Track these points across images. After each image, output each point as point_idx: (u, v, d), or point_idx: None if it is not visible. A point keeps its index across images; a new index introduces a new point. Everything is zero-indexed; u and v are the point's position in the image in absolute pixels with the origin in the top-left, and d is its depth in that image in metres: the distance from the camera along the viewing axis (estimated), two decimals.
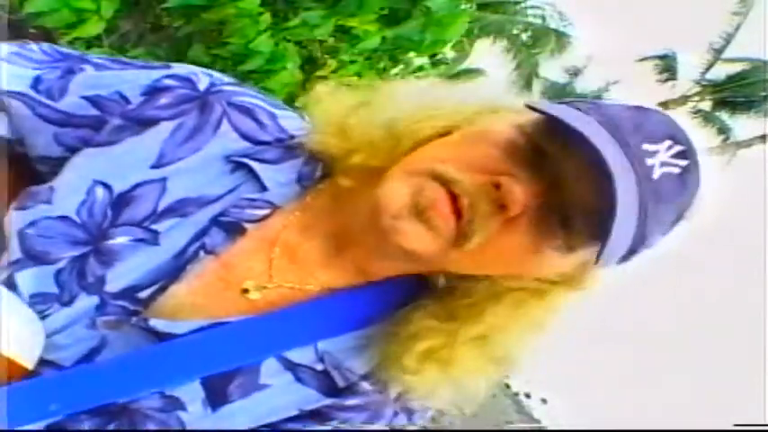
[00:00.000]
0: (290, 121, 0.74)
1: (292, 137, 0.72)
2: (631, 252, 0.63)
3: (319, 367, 0.70)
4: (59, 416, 0.65)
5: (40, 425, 0.65)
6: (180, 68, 0.74)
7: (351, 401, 0.71)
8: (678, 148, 0.61)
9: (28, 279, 0.67)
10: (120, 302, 0.67)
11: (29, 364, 0.65)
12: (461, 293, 0.69)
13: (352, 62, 4.18)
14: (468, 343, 0.68)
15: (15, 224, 0.69)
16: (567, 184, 0.60)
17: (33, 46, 0.76)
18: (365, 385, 0.71)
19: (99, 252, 0.68)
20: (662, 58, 13.52)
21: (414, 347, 0.68)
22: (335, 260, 0.71)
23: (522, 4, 12.14)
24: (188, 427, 0.68)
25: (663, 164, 0.60)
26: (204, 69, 0.75)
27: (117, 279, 0.68)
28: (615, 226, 0.57)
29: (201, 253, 0.68)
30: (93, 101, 0.70)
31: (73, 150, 0.71)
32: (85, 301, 0.67)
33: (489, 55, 12.97)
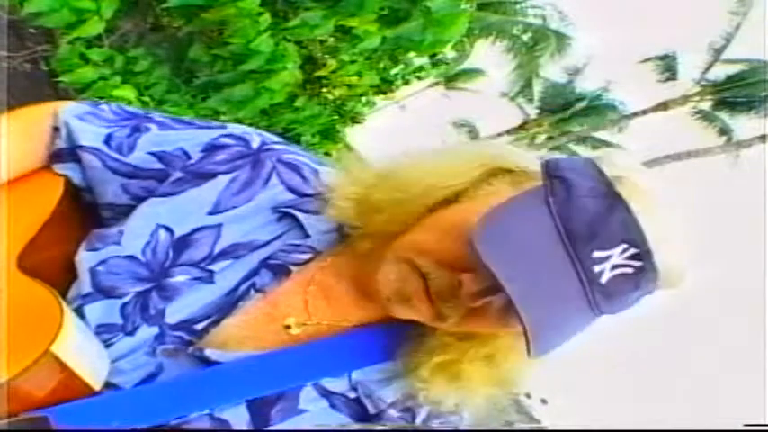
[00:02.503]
0: (331, 177, 0.83)
1: (327, 197, 0.81)
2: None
3: (352, 395, 0.77)
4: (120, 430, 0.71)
5: None
6: (235, 128, 0.85)
7: (379, 428, 0.78)
8: (632, 251, 0.65)
9: (96, 311, 0.75)
10: (178, 333, 0.76)
11: (98, 386, 0.72)
12: None
13: (352, 62, 4.19)
14: (477, 360, 0.76)
15: (87, 262, 0.77)
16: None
17: (104, 106, 0.88)
18: (393, 413, 0.78)
19: (161, 288, 0.76)
20: (662, 58, 13.52)
21: (430, 360, 0.76)
22: (364, 302, 0.78)
23: (523, 5, 12.14)
24: None
25: (615, 266, 0.65)
26: (256, 130, 0.86)
27: (176, 312, 0.76)
28: (551, 339, 0.65)
29: (252, 291, 0.77)
30: (159, 156, 0.81)
31: (138, 199, 0.81)
32: (146, 332, 0.75)
33: (489, 55, 12.98)
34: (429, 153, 0.82)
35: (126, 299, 0.76)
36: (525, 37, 12.58)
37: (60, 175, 0.84)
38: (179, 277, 0.77)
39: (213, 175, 0.79)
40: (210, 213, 0.78)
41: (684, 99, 13.24)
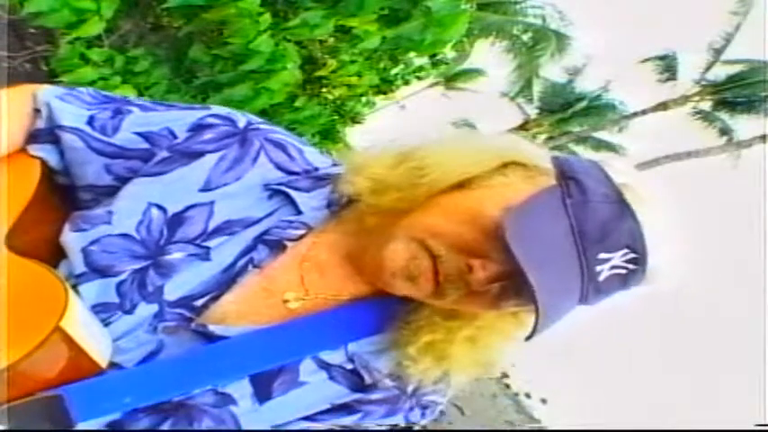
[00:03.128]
0: (314, 156, 0.87)
1: (317, 169, 0.85)
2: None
3: (349, 366, 0.81)
4: (128, 409, 0.73)
5: (105, 420, 0.73)
6: (220, 109, 0.86)
7: (374, 396, 0.82)
8: (631, 255, 0.72)
9: (91, 290, 0.76)
10: (178, 310, 0.77)
11: (104, 363, 0.72)
12: None
13: (352, 62, 4.19)
14: (462, 342, 0.80)
15: (77, 243, 0.78)
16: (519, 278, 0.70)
17: (82, 89, 0.88)
18: (387, 382, 0.82)
19: (158, 265, 0.77)
20: (662, 58, 13.52)
21: (419, 339, 0.79)
22: (357, 277, 0.81)
23: (523, 5, 12.14)
24: (239, 420, 0.76)
25: (613, 267, 0.71)
26: (240, 111, 0.87)
27: (175, 289, 0.77)
28: (548, 320, 0.68)
29: (250, 267, 0.78)
30: (145, 136, 0.82)
31: (121, 179, 0.81)
32: (146, 309, 0.76)
33: (489, 55, 12.98)
34: (449, 139, 0.86)
35: (122, 277, 0.76)
36: (525, 37, 12.58)
37: (35, 157, 0.83)
38: (176, 254, 0.77)
39: (201, 154, 0.80)
40: (202, 191, 0.79)
41: (684, 99, 13.23)
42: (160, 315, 0.76)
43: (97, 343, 0.72)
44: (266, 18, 2.41)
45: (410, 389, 0.84)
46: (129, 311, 0.76)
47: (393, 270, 0.75)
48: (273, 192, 0.81)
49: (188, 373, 0.75)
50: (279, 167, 0.83)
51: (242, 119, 0.85)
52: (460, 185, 0.77)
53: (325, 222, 0.82)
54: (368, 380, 0.81)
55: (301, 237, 0.81)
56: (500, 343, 0.82)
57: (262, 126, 0.85)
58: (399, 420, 0.85)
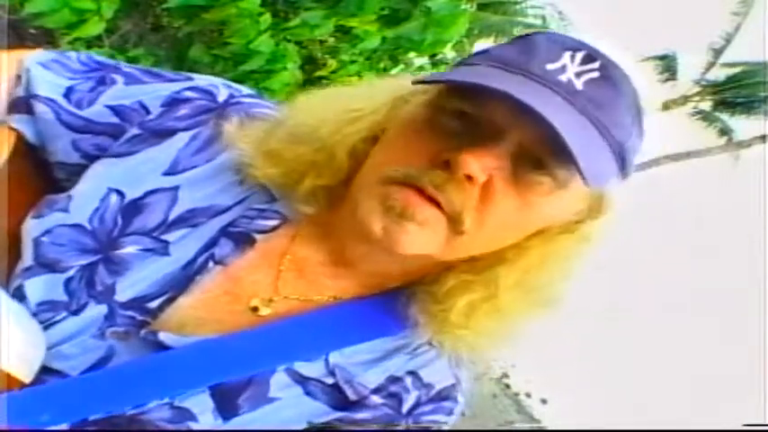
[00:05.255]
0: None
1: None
2: (621, 160, 0.63)
3: (329, 381, 0.70)
4: (53, 426, 0.64)
5: None
6: (201, 80, 0.75)
7: (360, 415, 0.70)
8: (580, 54, 0.60)
9: (37, 287, 0.67)
10: (129, 313, 0.67)
11: (27, 378, 0.64)
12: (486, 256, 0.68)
13: (352, 62, 4.18)
14: (509, 290, 0.66)
15: (32, 232, 0.69)
16: (507, 133, 0.59)
17: (72, 54, 0.77)
18: (376, 399, 0.70)
19: (109, 261, 0.68)
20: (662, 58, 13.51)
21: (456, 304, 0.66)
22: (344, 270, 0.70)
23: (523, 5, 12.14)
24: None
25: (578, 74, 0.59)
26: (226, 82, 0.76)
27: (126, 289, 0.68)
28: (575, 144, 0.55)
29: (210, 264, 0.68)
30: (115, 109, 0.72)
31: (90, 158, 0.71)
32: (94, 311, 0.67)
33: None
34: (326, 92, 0.74)
35: (70, 273, 0.67)
36: None
37: (13, 130, 0.74)
38: (129, 248, 0.68)
39: (173, 133, 0.70)
40: (166, 174, 0.69)
41: (684, 99, 13.23)
42: (111, 318, 0.67)
43: (17, 356, 0.62)
44: (266, 18, 2.41)
45: (406, 407, 0.71)
46: (76, 312, 0.67)
47: (378, 224, 0.61)
48: (246, 175, 0.70)
49: (134, 384, 0.65)
50: None
51: (224, 91, 0.73)
52: (375, 140, 0.67)
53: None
54: (351, 396, 0.69)
55: (275, 228, 0.69)
56: (559, 270, 0.68)
57: (245, 99, 0.74)
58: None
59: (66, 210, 0.69)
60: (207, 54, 2.67)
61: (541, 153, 0.60)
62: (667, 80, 13.43)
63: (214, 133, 0.70)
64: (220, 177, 0.70)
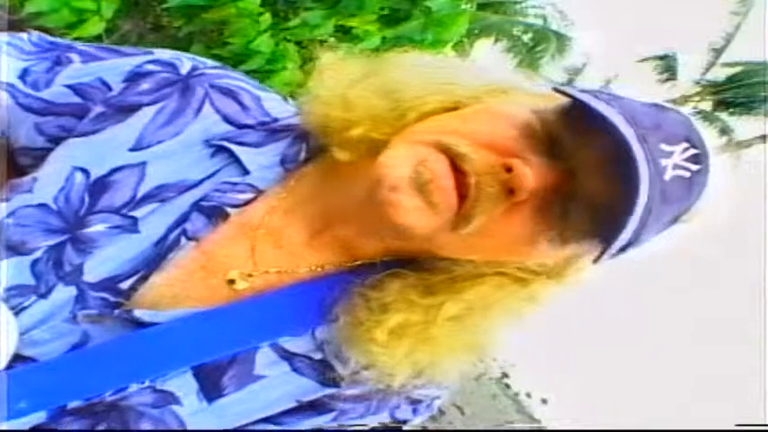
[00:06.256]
0: (275, 104, 0.73)
1: (276, 120, 0.71)
2: (622, 250, 0.61)
3: (317, 356, 0.68)
4: (31, 414, 0.63)
5: (18, 425, 0.62)
6: (163, 53, 0.73)
7: (351, 392, 0.69)
8: (693, 151, 0.60)
9: (5, 271, 0.65)
10: (101, 294, 0.65)
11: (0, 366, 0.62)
12: (442, 270, 0.67)
13: None
14: (446, 322, 0.65)
15: None
16: (582, 174, 0.58)
17: (24, 35, 0.75)
18: (366, 374, 0.68)
19: (76, 240, 0.66)
20: (662, 58, 13.51)
21: (387, 319, 0.64)
22: (320, 240, 0.69)
23: (523, 5, 12.13)
24: (186, 422, 0.65)
25: (676, 166, 0.58)
26: (188, 54, 0.74)
27: (96, 268, 0.65)
28: (627, 225, 0.55)
29: (183, 239, 0.66)
30: (76, 88, 0.69)
31: (55, 140, 0.69)
32: (63, 293, 0.65)
33: (489, 55, 12.97)
34: (426, 58, 0.72)
35: (36, 255, 0.65)
36: (526, 37, 12.57)
37: None
38: (96, 227, 0.66)
39: (137, 108, 0.68)
40: (132, 150, 0.67)
41: (684, 99, 13.23)
42: (81, 300, 0.65)
43: None
44: (266, 18, 2.41)
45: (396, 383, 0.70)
46: (45, 295, 0.64)
47: (394, 180, 0.58)
48: (217, 149, 0.68)
49: (110, 367, 0.63)
50: (227, 120, 0.69)
51: (186, 63, 0.72)
52: (446, 110, 0.64)
53: (280, 183, 0.69)
54: (343, 372, 0.68)
55: (248, 202, 0.68)
56: (498, 321, 0.67)
57: (209, 71, 0.72)
58: (384, 419, 0.72)
59: (30, 191, 0.67)
60: (207, 54, 2.67)
61: (580, 209, 0.59)
62: (667, 80, 13.43)
63: (179, 105, 0.69)
64: (189, 151, 0.68)
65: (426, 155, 0.58)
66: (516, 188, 0.57)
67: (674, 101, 13.16)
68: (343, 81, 0.67)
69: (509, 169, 0.57)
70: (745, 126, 13.09)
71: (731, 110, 12.98)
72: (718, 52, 12.88)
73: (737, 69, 12.84)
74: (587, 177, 0.58)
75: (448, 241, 0.61)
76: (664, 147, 0.58)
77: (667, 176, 0.57)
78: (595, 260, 0.59)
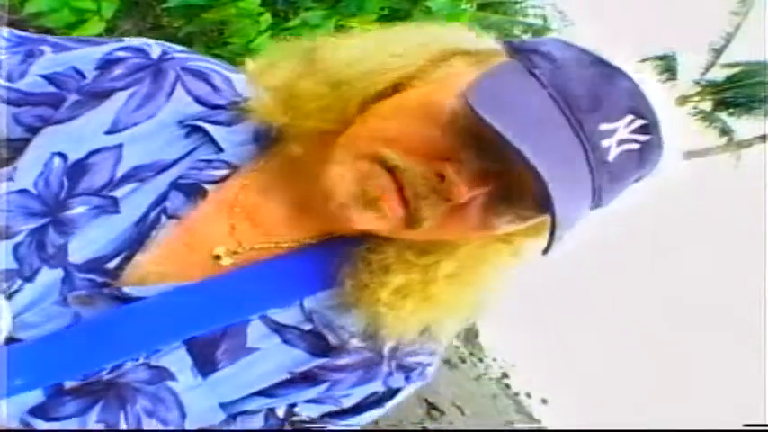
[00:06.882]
0: (246, 84, 0.74)
1: (247, 99, 0.72)
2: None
3: (307, 327, 0.70)
4: (29, 391, 0.64)
5: (16, 404, 0.63)
6: (132, 40, 0.75)
7: (342, 361, 0.70)
8: (639, 122, 0.57)
9: None
10: (88, 275, 0.66)
11: None
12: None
13: None
14: (443, 280, 0.67)
15: None
16: (510, 169, 0.57)
17: None
18: (355, 342, 0.70)
19: (58, 223, 0.67)
20: (662, 58, 13.51)
21: (390, 281, 0.66)
22: (298, 221, 0.70)
23: (523, 5, 12.14)
24: (181, 397, 0.66)
25: (621, 141, 0.57)
26: (157, 41, 0.76)
27: (80, 250, 0.67)
28: (562, 212, 0.54)
29: (163, 218, 0.67)
30: (50, 78, 0.71)
31: (33, 130, 0.70)
32: (49, 275, 0.66)
33: None
34: (366, 34, 0.70)
35: (18, 238, 0.66)
36: (526, 37, 12.59)
37: None
38: (78, 209, 0.67)
39: (110, 93, 0.70)
40: (108, 133, 0.69)
41: (684, 99, 13.24)
42: (69, 282, 0.66)
43: None
44: (266, 18, 2.41)
45: (386, 349, 0.72)
46: (30, 279, 0.65)
47: (343, 200, 0.60)
48: (191, 129, 0.70)
49: (102, 342, 0.64)
50: (199, 101, 0.71)
51: (156, 49, 0.73)
52: (396, 88, 0.63)
53: (254, 160, 0.70)
54: (332, 341, 0.69)
55: (225, 178, 0.69)
56: (490, 276, 0.68)
57: (179, 54, 0.74)
58: (378, 388, 0.73)
59: (11, 179, 0.68)
60: (207, 54, 2.67)
61: (522, 198, 0.59)
62: (667, 80, 13.42)
63: (152, 89, 0.71)
64: (164, 132, 0.70)
65: (369, 170, 0.60)
66: (451, 198, 0.58)
67: (674, 101, 13.16)
68: (286, 76, 0.68)
69: (442, 178, 0.58)
70: (745, 126, 13.10)
71: (731, 110, 12.98)
72: (718, 52, 12.89)
73: (737, 69, 12.84)
74: (516, 174, 0.57)
75: (412, 234, 0.63)
76: (604, 127, 0.56)
77: (611, 157, 0.56)
78: (549, 244, 0.57)
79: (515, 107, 0.56)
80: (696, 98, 13.31)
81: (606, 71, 0.58)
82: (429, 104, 0.60)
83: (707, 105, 13.35)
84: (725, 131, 13.17)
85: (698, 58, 13.20)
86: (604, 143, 0.56)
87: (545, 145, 0.54)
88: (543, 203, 0.53)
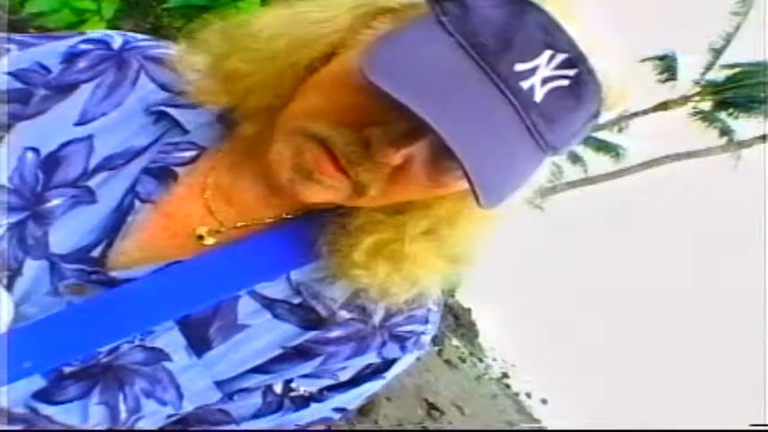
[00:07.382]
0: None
1: (189, 83, 0.71)
2: (553, 153, 0.58)
3: (296, 300, 0.70)
4: (37, 373, 0.65)
5: (21, 389, 0.65)
6: (94, 33, 0.75)
7: (334, 333, 0.71)
8: (561, 57, 0.54)
9: None
10: (76, 266, 0.67)
11: None
12: None
13: None
14: (418, 237, 0.66)
15: None
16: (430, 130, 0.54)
17: None
18: (344, 314, 0.70)
19: (37, 216, 0.68)
20: (662, 58, 13.50)
21: (363, 241, 0.66)
22: (273, 198, 0.69)
23: None
24: (177, 377, 0.68)
25: (546, 80, 0.53)
26: (119, 32, 0.76)
27: (63, 240, 0.67)
28: (499, 181, 0.53)
29: (137, 202, 0.68)
30: (16, 75, 0.71)
31: (5, 128, 0.71)
32: (34, 266, 0.67)
33: None
34: (283, 5, 0.68)
35: None
36: None
37: None
38: (55, 201, 0.68)
39: (76, 86, 0.70)
40: (78, 124, 0.69)
41: (684, 99, 13.23)
42: (58, 273, 0.67)
43: None
44: None
45: (377, 320, 0.71)
46: (18, 271, 0.66)
47: (286, 175, 0.61)
48: (158, 115, 0.70)
49: (95, 324, 0.66)
50: (164, 87, 0.71)
51: (118, 39, 0.74)
52: (327, 58, 0.62)
53: (222, 141, 0.71)
54: (323, 313, 0.70)
55: (194, 160, 0.70)
56: (469, 228, 0.66)
57: (141, 43, 0.74)
58: (373, 359, 0.73)
59: None
60: None
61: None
62: (667, 80, 13.41)
63: (116, 79, 0.71)
64: (133, 120, 0.70)
65: (301, 145, 0.60)
66: (382, 161, 0.57)
67: (674, 101, 13.16)
68: (208, 57, 0.69)
69: (369, 144, 0.57)
70: (745, 126, 13.09)
71: (731, 110, 12.97)
72: (718, 52, 12.87)
73: (737, 70, 12.83)
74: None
75: (366, 201, 0.62)
76: (520, 67, 0.53)
77: (538, 97, 0.53)
78: (479, 201, 0.54)
79: (418, 65, 0.53)
80: (696, 98, 13.30)
81: (516, 7, 0.54)
82: (350, 72, 0.57)
83: (707, 105, 13.33)
84: (725, 131, 13.15)
85: (698, 58, 13.19)
86: (524, 84, 0.53)
87: (455, 100, 0.52)
88: (460, 163, 0.51)
